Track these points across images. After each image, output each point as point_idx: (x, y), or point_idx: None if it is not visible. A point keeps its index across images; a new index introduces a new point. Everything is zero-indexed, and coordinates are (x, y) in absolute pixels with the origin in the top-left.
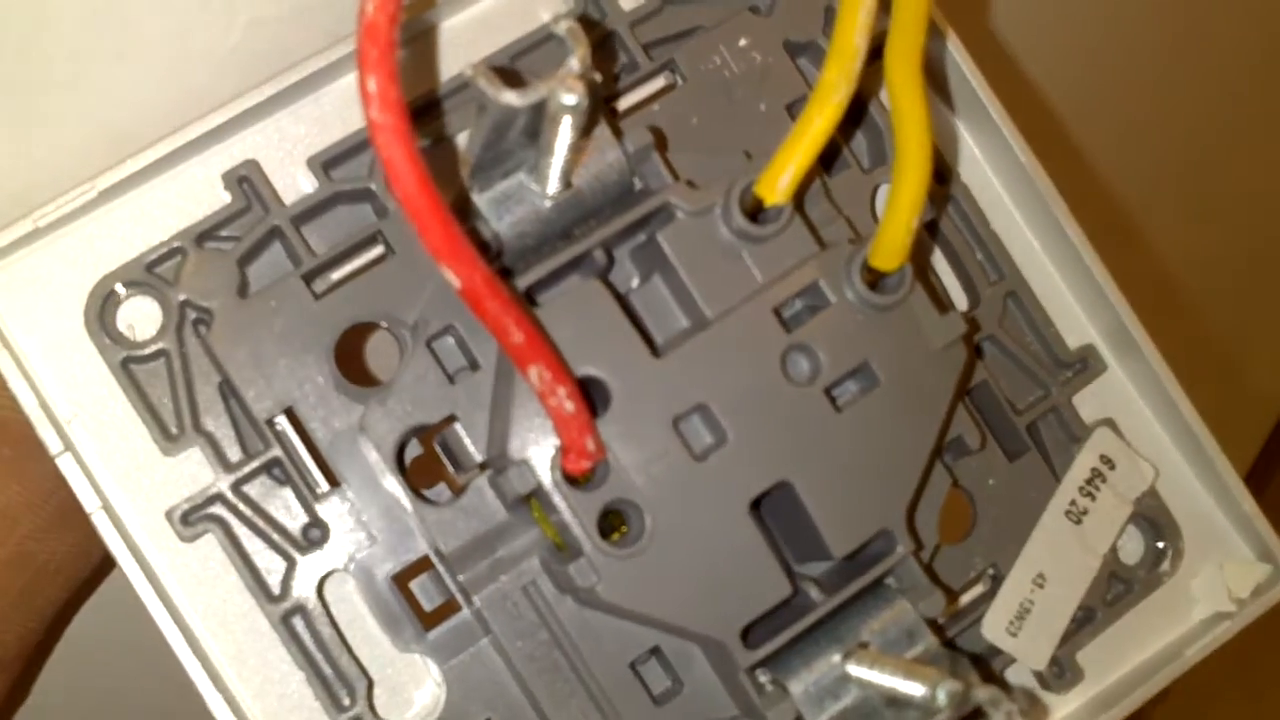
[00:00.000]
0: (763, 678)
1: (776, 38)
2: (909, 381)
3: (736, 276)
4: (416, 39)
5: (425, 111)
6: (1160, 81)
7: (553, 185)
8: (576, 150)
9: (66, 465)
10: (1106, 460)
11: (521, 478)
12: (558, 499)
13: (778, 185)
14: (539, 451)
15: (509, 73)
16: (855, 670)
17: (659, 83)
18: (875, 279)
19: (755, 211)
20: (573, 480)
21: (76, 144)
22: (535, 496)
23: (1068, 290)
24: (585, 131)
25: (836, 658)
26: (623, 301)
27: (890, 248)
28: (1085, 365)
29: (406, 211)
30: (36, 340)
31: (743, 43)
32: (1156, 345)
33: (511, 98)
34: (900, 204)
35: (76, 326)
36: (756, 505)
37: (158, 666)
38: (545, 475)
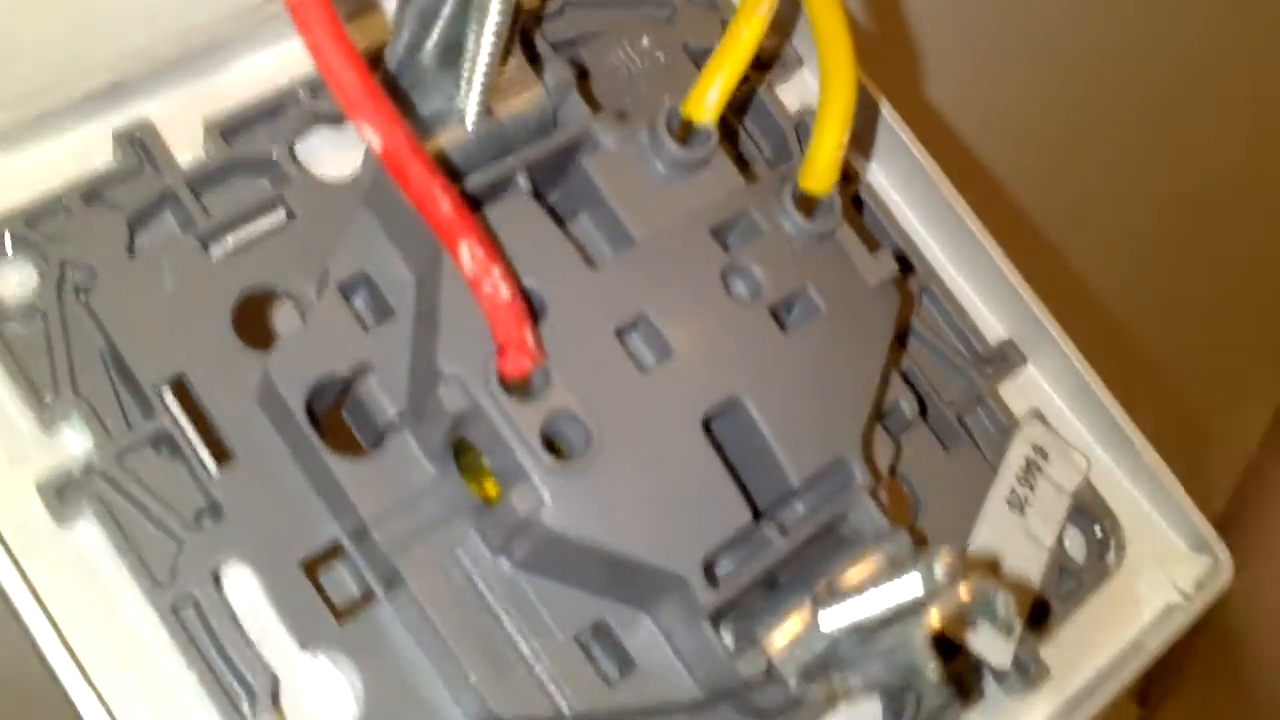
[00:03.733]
0: (726, 635)
1: (677, 41)
2: (849, 313)
3: (668, 204)
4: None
5: None
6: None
7: (473, 109)
8: (498, 73)
9: None
10: (1039, 450)
11: (452, 395)
12: (495, 412)
13: (706, 101)
14: (469, 364)
15: None
16: (831, 612)
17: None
18: (808, 207)
19: (684, 136)
20: (511, 389)
21: None
22: (467, 424)
23: (978, 291)
24: (505, 52)
25: (806, 601)
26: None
27: (821, 169)
28: (1005, 358)
29: (317, 62)
30: None
31: (645, 43)
32: (1079, 347)
33: None
34: (828, 123)
35: None
36: (709, 431)
37: (23, 665)
38: (479, 386)
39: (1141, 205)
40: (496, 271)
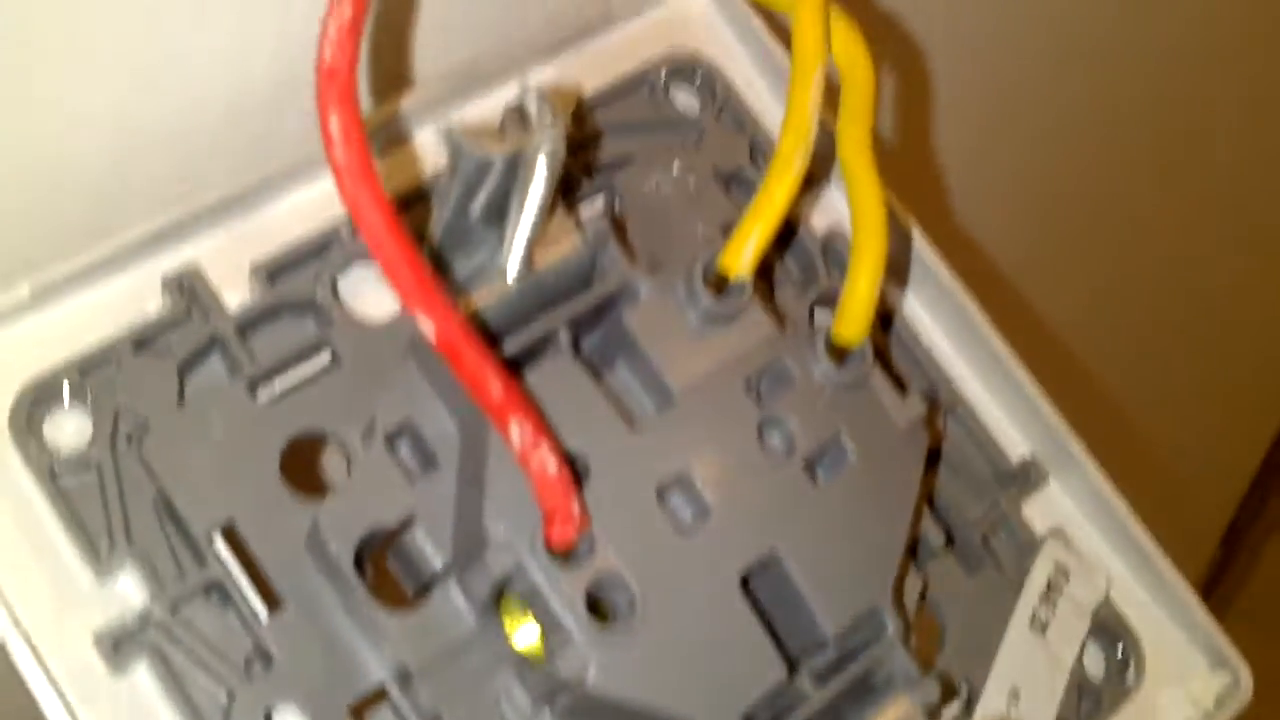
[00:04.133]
0: None
1: (707, 164)
2: (880, 459)
3: (703, 354)
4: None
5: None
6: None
7: (516, 264)
8: (541, 228)
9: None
10: (1061, 570)
11: (499, 559)
12: (541, 577)
13: (742, 256)
14: (517, 529)
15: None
16: None
17: (599, 204)
18: (839, 355)
19: (719, 288)
20: (556, 555)
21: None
22: (513, 582)
23: (1003, 408)
24: (550, 207)
25: None
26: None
27: (853, 320)
28: (1028, 476)
29: (375, 256)
30: None
31: (676, 169)
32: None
33: (489, 149)
34: (860, 277)
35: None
36: (745, 587)
37: None
38: (526, 552)
39: (1151, 307)
40: (545, 446)
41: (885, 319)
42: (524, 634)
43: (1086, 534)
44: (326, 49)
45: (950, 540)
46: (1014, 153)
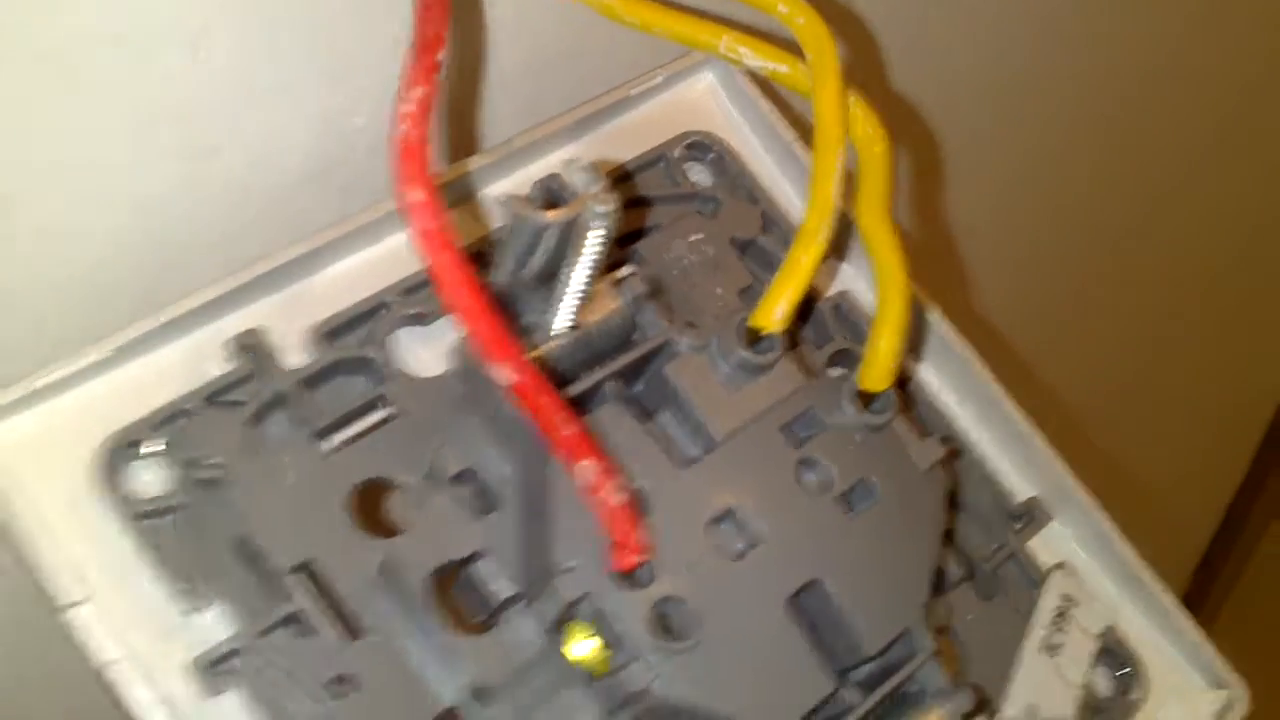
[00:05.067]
0: None
1: (724, 234)
2: (905, 496)
3: (741, 403)
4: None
5: None
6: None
7: (566, 320)
8: (590, 286)
9: (82, 619)
10: (1068, 598)
11: (569, 585)
12: (609, 600)
13: (774, 315)
14: (584, 557)
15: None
16: None
17: (625, 271)
18: (866, 401)
19: (753, 342)
20: (621, 580)
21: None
22: (580, 606)
23: (1007, 455)
24: (600, 268)
25: None
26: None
27: (879, 371)
28: (1033, 516)
29: (457, 314)
30: (48, 497)
31: (694, 238)
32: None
33: (546, 216)
34: (885, 330)
35: (85, 484)
36: (793, 607)
37: None
38: (594, 578)
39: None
40: (613, 483)
41: (902, 382)
42: (579, 649)
43: (1089, 566)
44: (406, 126)
45: (967, 573)
46: (1014, 227)
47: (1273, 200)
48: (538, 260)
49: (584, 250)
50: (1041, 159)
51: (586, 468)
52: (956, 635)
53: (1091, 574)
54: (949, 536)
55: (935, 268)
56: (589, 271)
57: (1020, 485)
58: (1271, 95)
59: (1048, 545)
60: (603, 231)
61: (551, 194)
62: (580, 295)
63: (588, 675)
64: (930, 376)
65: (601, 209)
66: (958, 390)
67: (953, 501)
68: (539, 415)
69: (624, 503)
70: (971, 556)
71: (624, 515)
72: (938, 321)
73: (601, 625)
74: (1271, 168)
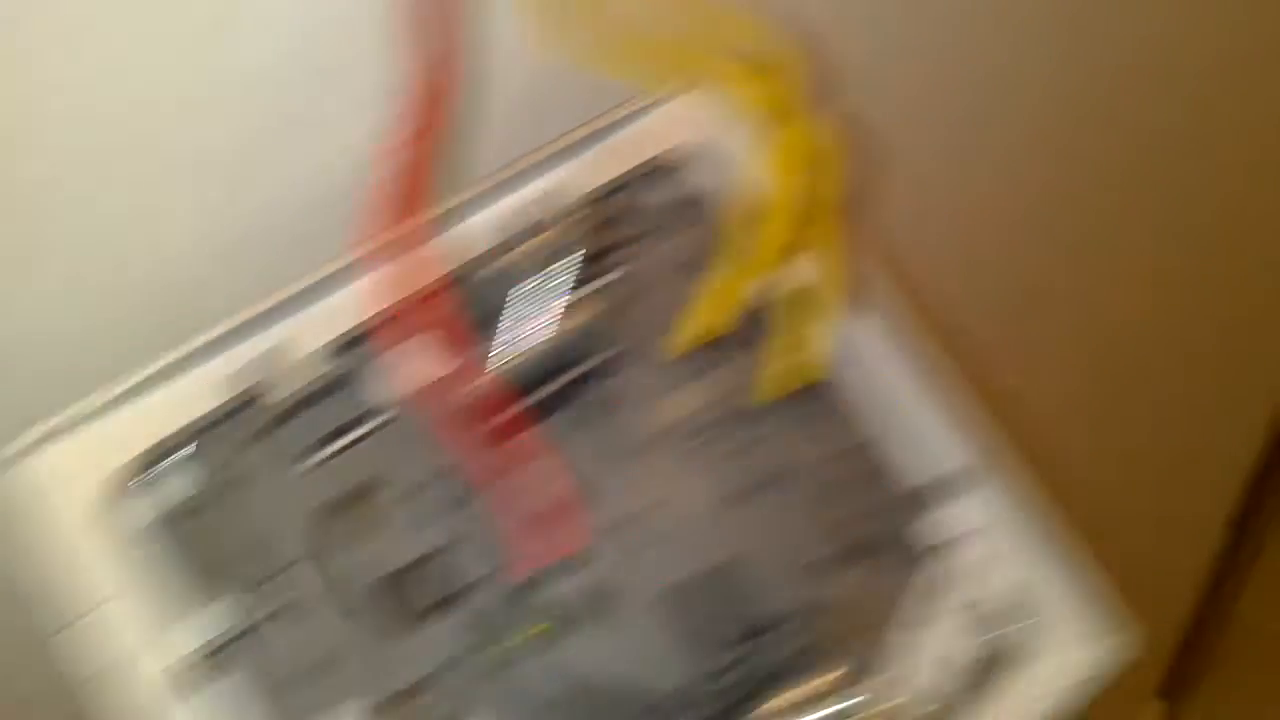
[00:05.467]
0: None
1: (678, 256)
2: (804, 482)
3: (670, 406)
4: None
5: None
6: None
7: (531, 337)
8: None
9: (104, 616)
10: (961, 558)
11: (510, 573)
12: (540, 587)
13: (693, 335)
14: (514, 549)
15: None
16: None
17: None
18: (774, 399)
19: (685, 355)
20: (552, 569)
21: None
22: (525, 589)
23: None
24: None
25: None
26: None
27: (779, 378)
28: (949, 485)
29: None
30: (72, 508)
31: (648, 258)
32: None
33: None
34: (783, 343)
35: (101, 503)
36: (683, 596)
37: None
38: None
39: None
40: (557, 481)
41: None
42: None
43: (1003, 529)
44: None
45: (863, 547)
46: (982, 245)
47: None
48: (505, 284)
49: (542, 282)
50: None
51: (532, 469)
52: (858, 604)
53: (1003, 537)
54: (851, 521)
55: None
56: (549, 294)
57: (947, 454)
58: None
59: (966, 512)
60: (557, 266)
61: (528, 228)
62: (537, 319)
63: (526, 646)
64: (861, 349)
65: (552, 250)
66: (886, 366)
67: (854, 485)
68: (494, 425)
69: (565, 498)
70: (869, 529)
71: (564, 510)
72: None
73: (535, 608)
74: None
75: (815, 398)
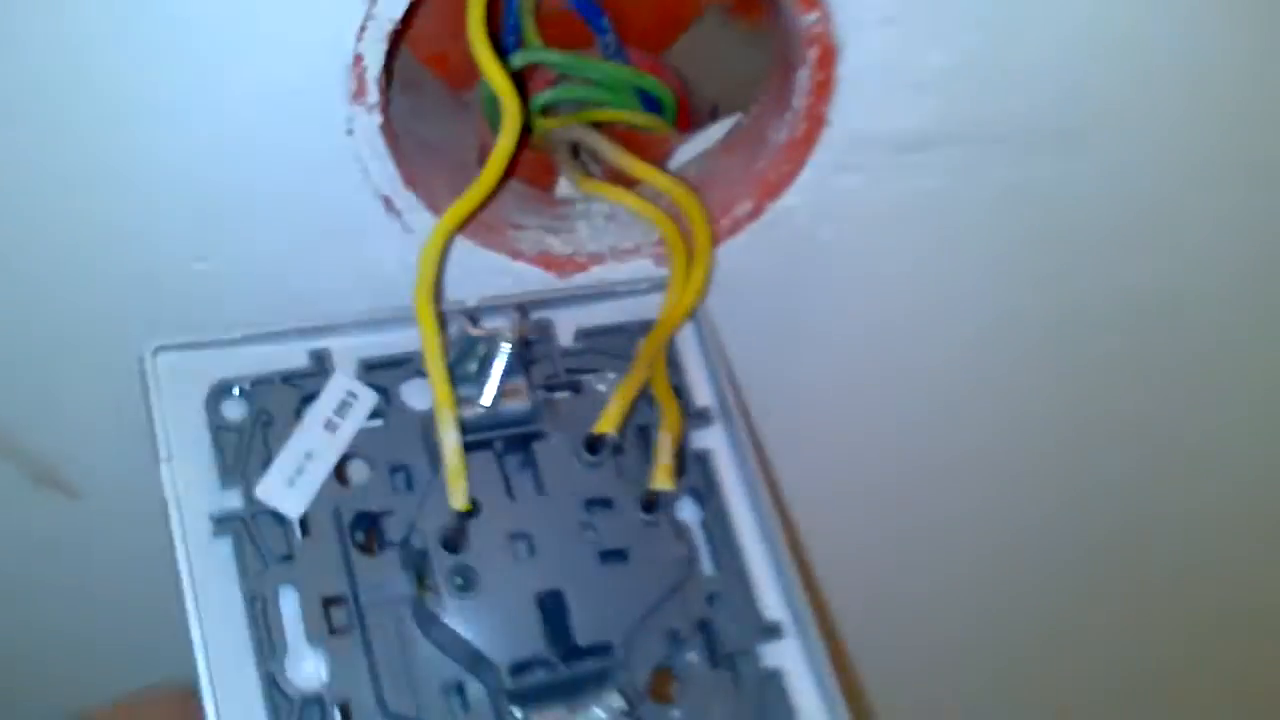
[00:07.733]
0: (518, 710)
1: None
2: (649, 569)
3: (571, 479)
4: None
5: None
6: None
7: (488, 399)
8: (505, 382)
9: (167, 471)
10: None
11: (420, 539)
12: (435, 556)
13: (600, 429)
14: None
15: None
16: None
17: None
18: (652, 503)
19: (592, 445)
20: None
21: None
22: (425, 557)
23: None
24: (511, 375)
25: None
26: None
27: (662, 471)
28: (771, 630)
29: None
30: (180, 408)
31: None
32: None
33: (471, 331)
34: (662, 451)
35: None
36: (550, 597)
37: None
38: (432, 542)
39: None
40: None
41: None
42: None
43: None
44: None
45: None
46: None
47: None
48: (473, 359)
49: (497, 359)
50: None
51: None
52: (678, 676)
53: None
54: (701, 625)
55: None
56: (498, 374)
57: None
58: None
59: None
60: (505, 353)
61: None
62: (497, 384)
63: (416, 596)
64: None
65: (504, 344)
66: (748, 516)
67: (698, 596)
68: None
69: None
70: (714, 635)
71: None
72: (746, 459)
73: (425, 570)
74: None
75: (664, 509)
